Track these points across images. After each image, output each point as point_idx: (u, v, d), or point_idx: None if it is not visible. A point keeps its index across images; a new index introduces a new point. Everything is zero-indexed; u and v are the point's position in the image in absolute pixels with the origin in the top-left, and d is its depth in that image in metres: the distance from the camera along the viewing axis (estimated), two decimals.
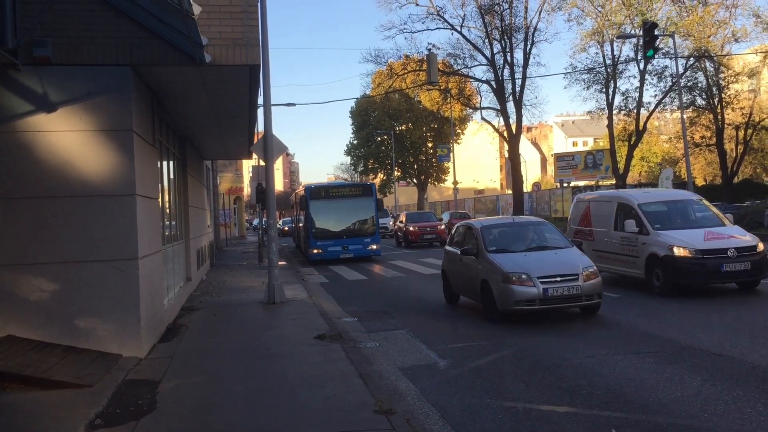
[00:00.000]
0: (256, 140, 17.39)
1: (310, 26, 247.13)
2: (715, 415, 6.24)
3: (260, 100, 14.46)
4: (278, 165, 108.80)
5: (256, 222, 55.57)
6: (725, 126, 44.31)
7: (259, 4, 10.38)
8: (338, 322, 12.01)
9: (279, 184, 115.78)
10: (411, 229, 33.79)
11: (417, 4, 45.93)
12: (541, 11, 44.33)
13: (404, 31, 49.24)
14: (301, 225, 31.54)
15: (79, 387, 7.42)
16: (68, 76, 8.92)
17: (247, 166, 56.66)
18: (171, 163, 14.38)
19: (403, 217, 37.14)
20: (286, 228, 52.77)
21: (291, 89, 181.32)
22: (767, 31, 40.71)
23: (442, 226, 33.57)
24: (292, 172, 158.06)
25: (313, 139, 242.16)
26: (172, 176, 14.54)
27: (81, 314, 8.85)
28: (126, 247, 9.01)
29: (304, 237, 28.83)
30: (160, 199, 11.79)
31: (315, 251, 26.13)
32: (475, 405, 6.94)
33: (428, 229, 33.53)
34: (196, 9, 8.22)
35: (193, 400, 7.30)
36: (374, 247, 26.54)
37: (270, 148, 14.55)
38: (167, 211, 13.37)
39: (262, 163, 16.98)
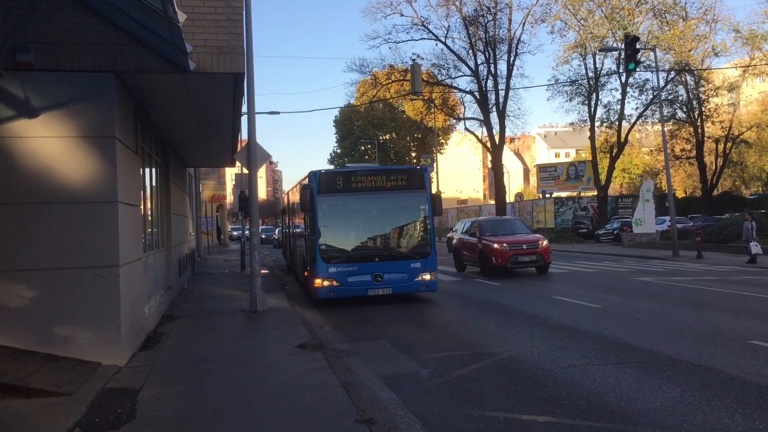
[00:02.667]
0: (239, 148, 17.35)
1: (295, 35, 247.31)
2: (694, 425, 6.29)
3: (244, 108, 14.43)
4: (261, 173, 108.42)
5: (237, 232, 55.28)
6: (705, 139, 44.89)
7: (244, 12, 10.39)
8: (320, 331, 11.98)
9: (262, 192, 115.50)
10: (496, 246, 21.40)
11: (402, 15, 46.25)
12: (524, 23, 44.88)
13: (389, 41, 49.56)
14: (299, 237, 20.21)
15: (57, 395, 7.34)
16: (51, 81, 8.86)
17: (230, 173, 56.47)
18: (153, 170, 14.31)
19: (470, 226, 24.87)
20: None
21: (275, 97, 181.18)
22: (747, 45, 41.36)
23: (545, 242, 22.14)
24: (275, 181, 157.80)
25: (296, 148, 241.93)
26: (154, 183, 14.46)
27: (61, 321, 8.76)
28: (107, 255, 8.94)
29: (305, 258, 17.24)
30: (142, 207, 11.72)
31: (325, 283, 15.17)
32: (456, 414, 6.94)
33: (524, 246, 21.44)
34: (181, 16, 8.21)
35: (173, 409, 7.24)
36: (427, 277, 15.64)
37: (254, 156, 14.53)
38: (149, 218, 13.30)
39: (245, 170, 16.94)
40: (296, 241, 21.86)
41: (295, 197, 20.16)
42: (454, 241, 25.87)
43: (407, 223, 16.15)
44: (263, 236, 55.71)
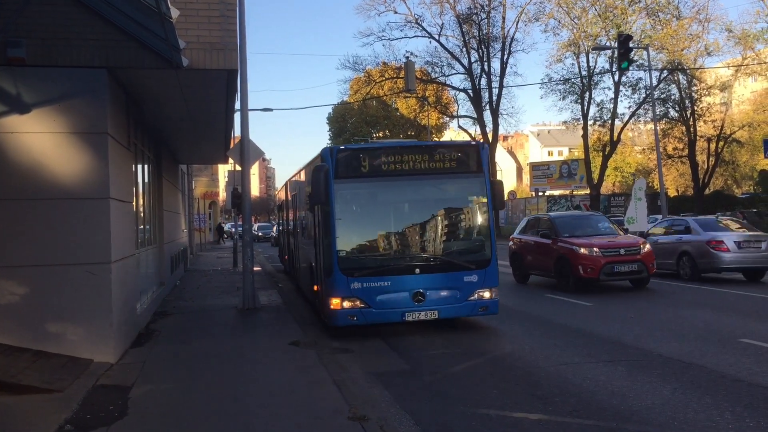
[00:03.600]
0: (232, 145, 17.32)
1: (289, 32, 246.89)
2: (684, 422, 6.32)
3: (237, 105, 14.41)
4: (254, 170, 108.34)
5: (228, 226, 55.04)
6: (697, 138, 45.06)
7: (237, 9, 10.36)
8: (313, 328, 11.97)
9: (255, 189, 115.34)
10: (583, 251, 16.00)
11: (395, 12, 46.34)
12: (518, 22, 44.90)
13: (382, 38, 49.69)
14: (305, 239, 15.00)
15: (49, 392, 7.32)
16: (43, 77, 8.82)
17: (223, 170, 56.36)
18: (146, 166, 14.26)
19: (536, 223, 18.95)
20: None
21: (268, 94, 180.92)
22: (739, 45, 41.51)
23: (647, 246, 16.71)
24: (268, 178, 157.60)
25: (289, 145, 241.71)
26: (146, 180, 14.42)
27: (52, 318, 8.73)
28: (99, 251, 8.91)
29: (313, 267, 12.92)
30: (134, 203, 11.69)
31: (346, 304, 10.91)
32: (448, 412, 6.95)
33: (622, 252, 16.18)
34: (174, 12, 8.17)
35: (164, 406, 7.23)
36: (486, 294, 11.33)
37: (246, 153, 14.50)
38: (141, 214, 13.26)
39: (238, 167, 16.93)
40: (300, 243, 16.22)
41: (299, 186, 16.06)
42: (511, 242, 19.76)
43: (458, 220, 11.80)
44: (260, 234, 55.71)
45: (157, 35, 8.42)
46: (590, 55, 43.93)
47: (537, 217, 20.23)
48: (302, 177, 15.29)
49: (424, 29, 45.64)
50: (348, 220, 11.12)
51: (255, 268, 16.05)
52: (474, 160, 11.53)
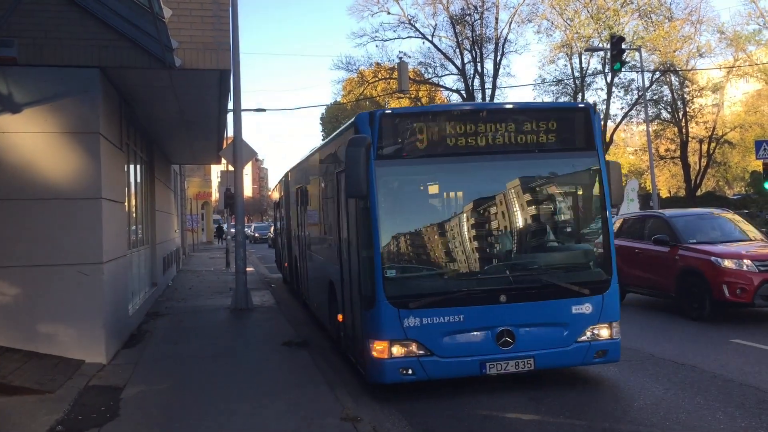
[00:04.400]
0: (225, 145, 17.29)
1: (282, 32, 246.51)
2: (677, 423, 6.34)
3: (230, 105, 14.39)
4: (247, 170, 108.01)
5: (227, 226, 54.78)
6: (689, 139, 45.20)
7: (230, 9, 10.35)
8: (305, 328, 11.96)
9: (248, 190, 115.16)
10: (727, 265, 11.56)
11: (389, 13, 46.19)
12: (511, 23, 44.89)
13: (375, 39, 49.37)
14: (319, 246, 11.39)
15: (40, 393, 7.28)
16: (35, 77, 8.78)
17: (216, 171, 56.27)
18: (138, 166, 14.22)
19: (640, 225, 14.36)
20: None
21: (261, 94, 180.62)
22: (731, 47, 41.68)
23: None
24: (261, 178, 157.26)
25: (283, 145, 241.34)
26: (139, 180, 14.38)
27: (43, 319, 8.68)
28: (91, 252, 8.87)
29: (342, 289, 8.87)
30: (126, 203, 11.64)
31: (397, 350, 7.25)
32: (442, 411, 6.95)
33: None
34: (167, 12, 8.16)
35: (156, 407, 7.20)
36: (604, 332, 7.67)
37: (239, 153, 14.48)
38: (133, 215, 13.22)
39: (230, 168, 16.94)
40: (312, 251, 12.31)
41: (311, 174, 12.01)
42: None
43: (561, 221, 8.22)
44: (256, 234, 55.62)
45: (150, 35, 8.39)
46: (583, 57, 44.02)
47: (642, 215, 15.38)
48: (317, 160, 11.17)
49: (417, 30, 45.63)
50: (399, 221, 7.60)
51: (248, 269, 16.03)
52: (582, 131, 7.90)
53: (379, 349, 7.24)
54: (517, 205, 7.80)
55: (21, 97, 8.74)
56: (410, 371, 7.24)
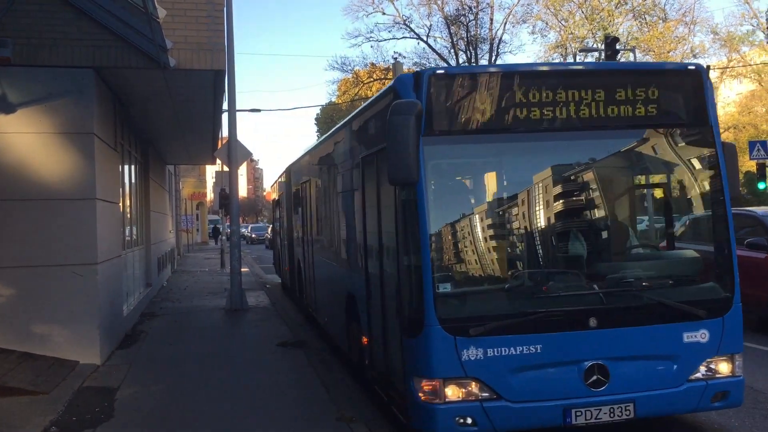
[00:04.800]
0: (220, 145, 17.28)
1: (276, 33, 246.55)
2: (671, 422, 6.35)
3: (225, 105, 14.37)
4: (242, 171, 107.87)
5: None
6: None
7: (225, 9, 10.35)
8: (301, 329, 11.95)
9: (243, 190, 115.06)
10: None
11: (384, 13, 46.15)
12: (506, 23, 44.97)
13: (370, 39, 49.32)
14: (332, 250, 9.52)
15: (34, 394, 7.27)
16: (29, 77, 8.76)
17: (211, 171, 56.21)
18: (133, 167, 14.20)
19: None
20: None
21: (256, 95, 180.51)
22: (724, 47, 41.85)
23: None
24: (256, 179, 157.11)
25: (277, 146, 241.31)
26: (133, 180, 14.35)
27: (38, 319, 8.66)
28: (85, 252, 8.86)
29: (371, 307, 6.88)
30: (121, 204, 11.63)
31: (450, 392, 5.32)
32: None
33: None
34: (161, 12, 8.16)
35: (151, 407, 7.19)
36: (723, 368, 5.71)
37: (234, 153, 14.47)
38: (128, 215, 13.20)
39: (225, 168, 16.87)
40: (323, 256, 10.55)
41: (324, 166, 10.16)
42: None
43: (667, 220, 6.58)
44: (253, 235, 55.53)
45: (145, 35, 8.39)
46: (578, 57, 44.10)
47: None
48: (330, 147, 9.46)
49: (412, 30, 45.65)
50: (455, 218, 5.84)
51: (242, 269, 16.02)
52: (693, 101, 5.94)
53: (427, 390, 5.38)
54: (611, 199, 6.18)
55: (15, 98, 8.71)
56: (470, 420, 5.35)
